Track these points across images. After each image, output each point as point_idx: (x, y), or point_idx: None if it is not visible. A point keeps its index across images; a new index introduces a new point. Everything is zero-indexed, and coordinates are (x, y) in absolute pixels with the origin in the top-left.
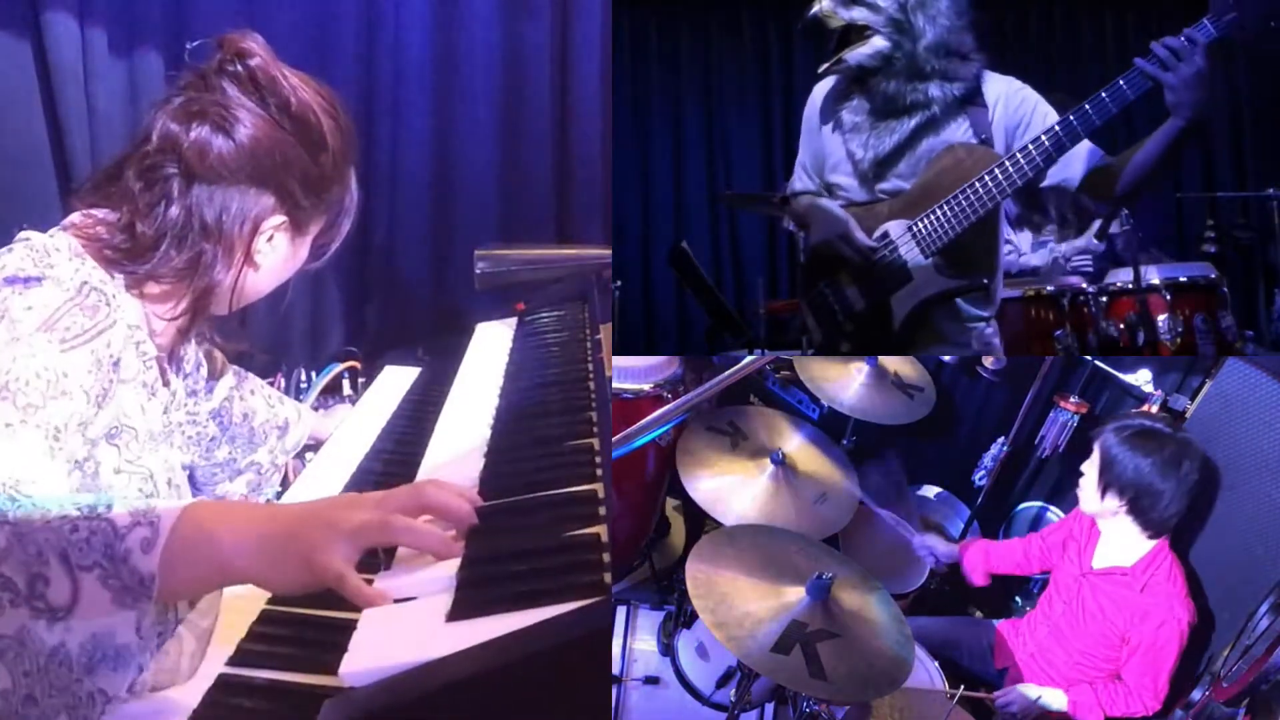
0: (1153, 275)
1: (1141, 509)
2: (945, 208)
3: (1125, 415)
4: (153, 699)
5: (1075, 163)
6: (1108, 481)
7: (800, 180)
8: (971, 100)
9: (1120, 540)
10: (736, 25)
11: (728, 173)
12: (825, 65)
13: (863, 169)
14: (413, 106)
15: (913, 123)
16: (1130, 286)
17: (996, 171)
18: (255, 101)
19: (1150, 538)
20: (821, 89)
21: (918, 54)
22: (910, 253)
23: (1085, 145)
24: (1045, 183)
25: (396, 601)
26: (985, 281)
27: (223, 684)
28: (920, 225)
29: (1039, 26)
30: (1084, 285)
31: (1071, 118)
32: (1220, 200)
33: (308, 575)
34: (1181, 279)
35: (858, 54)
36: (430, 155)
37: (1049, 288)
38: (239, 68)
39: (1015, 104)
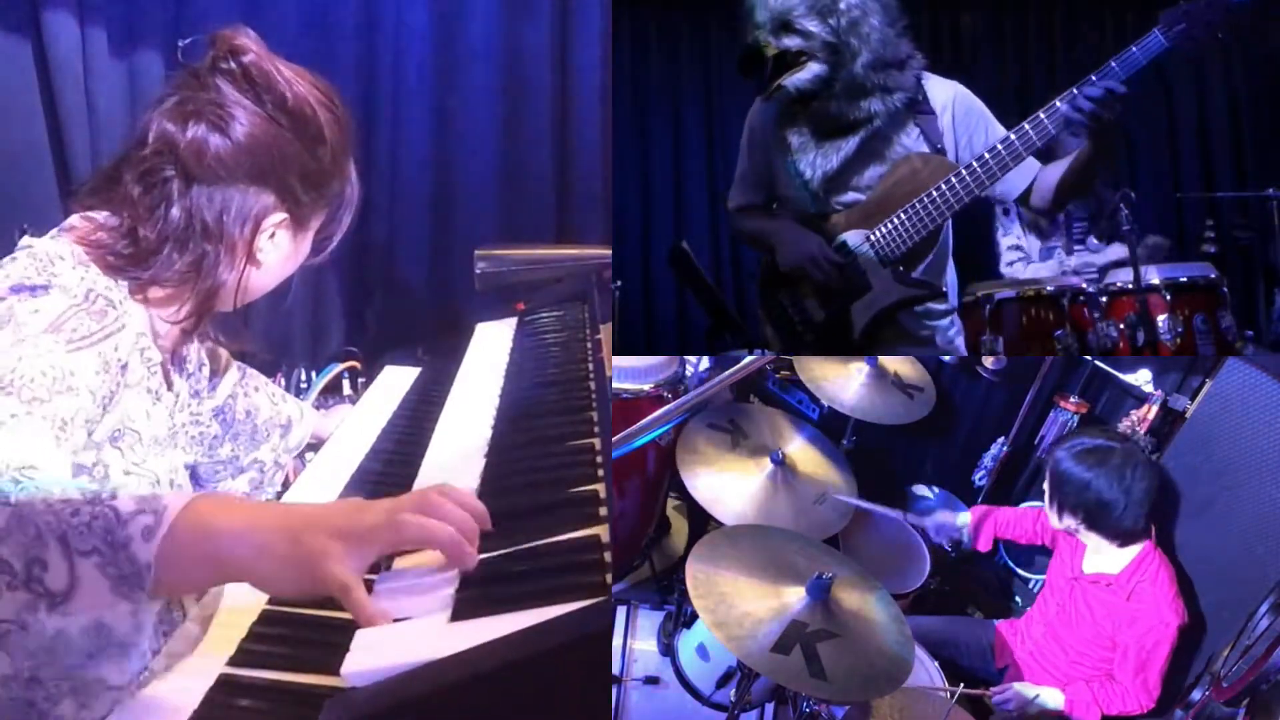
0: (1153, 275)
1: (1098, 523)
2: (902, 216)
3: (1074, 434)
4: (153, 699)
5: (1019, 176)
6: (1060, 501)
7: (744, 194)
8: (918, 107)
9: (1101, 549)
10: (736, 25)
11: (728, 173)
12: (765, 92)
13: (812, 188)
14: (413, 106)
15: (857, 139)
16: (1130, 286)
17: (953, 180)
18: (250, 98)
19: (1122, 546)
20: (762, 107)
21: (855, 73)
22: (869, 262)
23: (1030, 160)
24: (988, 193)
25: (395, 621)
26: (945, 290)
27: (223, 684)
28: (877, 235)
29: (1038, 26)
30: (1084, 285)
31: (1013, 137)
32: (1220, 200)
33: (311, 581)
34: (1181, 279)
35: (795, 79)
36: (430, 155)
37: (1049, 288)
38: (233, 65)
39: (962, 112)
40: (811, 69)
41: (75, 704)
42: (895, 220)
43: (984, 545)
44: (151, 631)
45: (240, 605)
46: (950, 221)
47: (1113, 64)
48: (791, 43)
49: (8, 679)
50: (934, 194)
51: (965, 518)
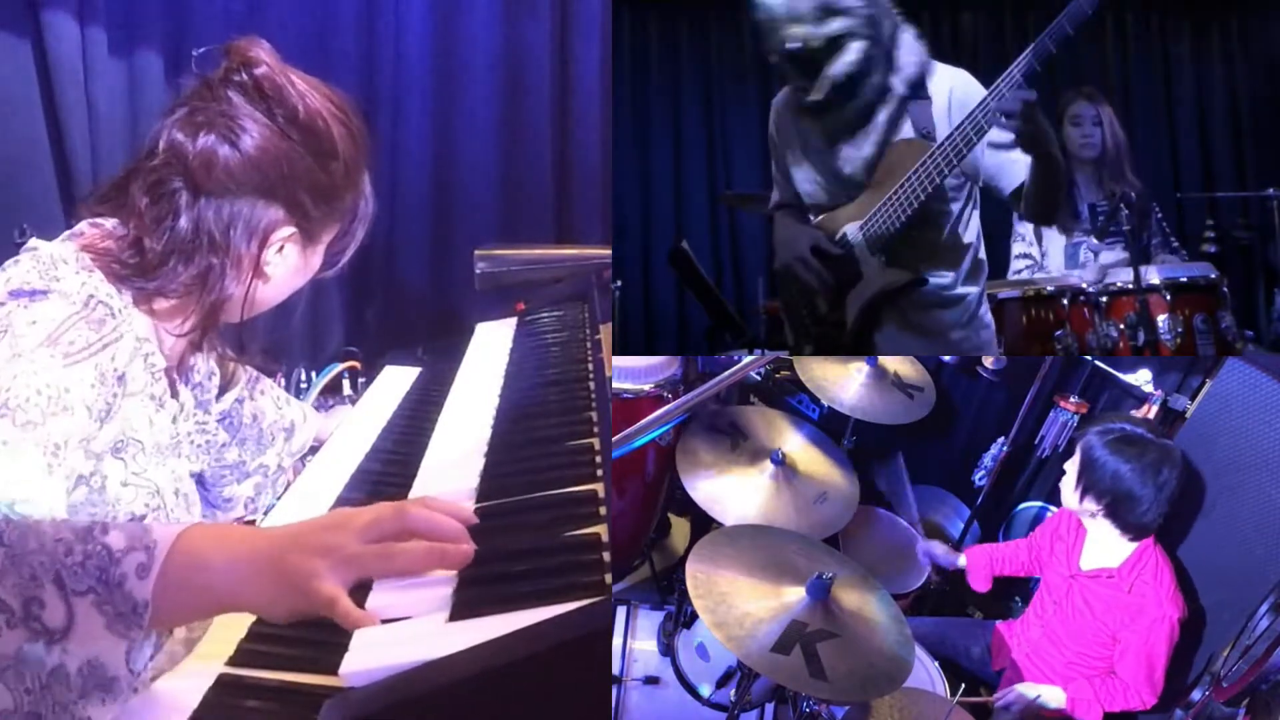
0: (1153, 275)
1: (1118, 513)
2: (886, 205)
3: (1111, 418)
4: (153, 699)
5: (1011, 171)
6: (1086, 484)
7: (777, 192)
8: (915, 94)
9: (1105, 540)
10: (736, 25)
11: (728, 173)
12: (817, 95)
13: (847, 178)
14: (413, 106)
15: (883, 118)
16: (1130, 286)
17: (927, 162)
18: (261, 111)
19: (1131, 540)
20: (781, 102)
21: (889, 48)
22: (862, 253)
23: (1024, 159)
24: (988, 182)
25: (386, 621)
26: (925, 277)
27: (223, 684)
28: (869, 225)
29: (1039, 25)
30: (1084, 285)
31: (977, 111)
32: (1220, 200)
33: (302, 602)
34: (1181, 279)
35: (841, 65)
36: (430, 155)
37: (1049, 288)
38: (245, 76)
39: (960, 98)
40: (854, 48)
41: None
42: (881, 209)
43: (982, 587)
44: (141, 671)
45: None
46: (969, 211)
47: (1064, 22)
48: (836, 25)
49: (9, 713)
50: (912, 178)
51: (961, 560)
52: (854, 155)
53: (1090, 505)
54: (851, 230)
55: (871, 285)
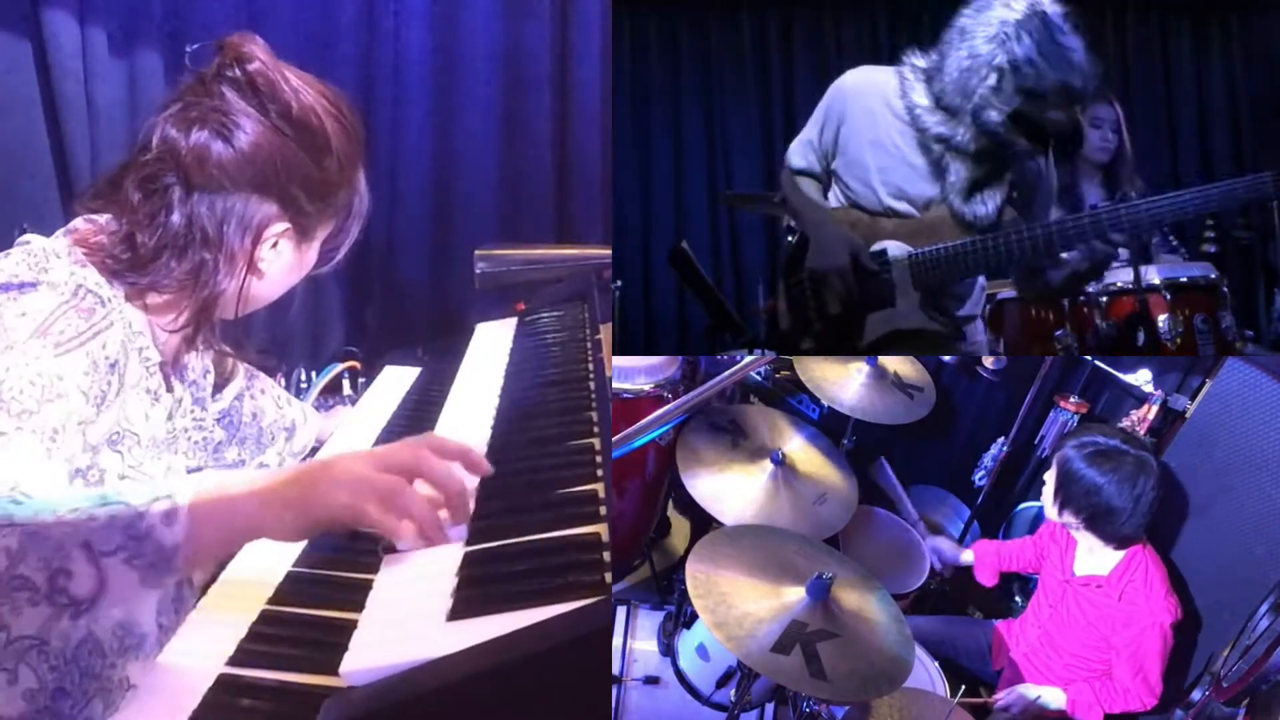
0: (1153, 275)
1: (1098, 525)
2: (949, 252)
3: (1087, 429)
4: (152, 699)
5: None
6: (1064, 498)
7: (805, 157)
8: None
9: (1093, 548)
10: (736, 25)
11: (728, 173)
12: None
13: (958, 216)
14: (413, 107)
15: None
16: (1130, 286)
17: (1001, 241)
18: (255, 107)
19: (1116, 548)
20: (875, 82)
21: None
22: (902, 279)
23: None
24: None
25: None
26: (963, 329)
27: (222, 684)
28: (920, 257)
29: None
30: None
31: (1053, 227)
32: None
33: (322, 514)
34: (1181, 279)
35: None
36: (430, 155)
37: None
38: (239, 72)
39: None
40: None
41: (103, 705)
42: (939, 250)
43: (989, 581)
44: (169, 624)
45: (240, 605)
46: None
47: (1213, 191)
48: (1078, 110)
49: (33, 693)
50: (989, 244)
51: (968, 556)
52: (986, 206)
53: (1070, 518)
54: (895, 250)
55: (903, 319)
